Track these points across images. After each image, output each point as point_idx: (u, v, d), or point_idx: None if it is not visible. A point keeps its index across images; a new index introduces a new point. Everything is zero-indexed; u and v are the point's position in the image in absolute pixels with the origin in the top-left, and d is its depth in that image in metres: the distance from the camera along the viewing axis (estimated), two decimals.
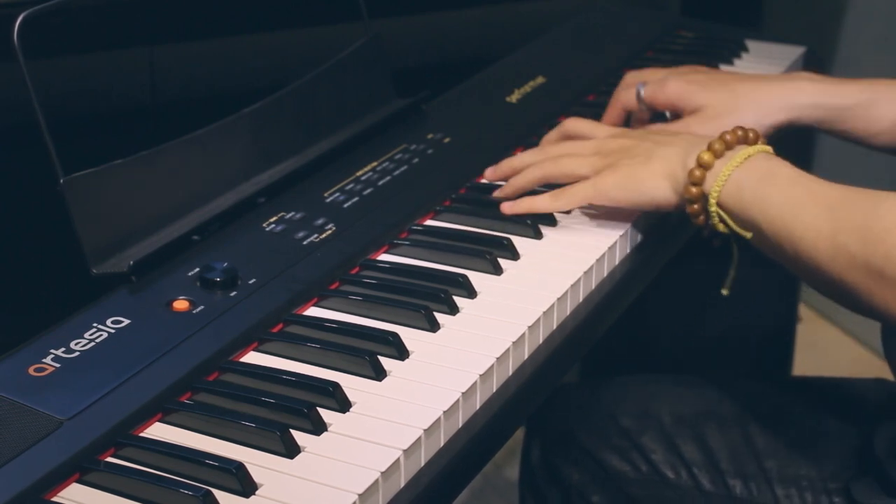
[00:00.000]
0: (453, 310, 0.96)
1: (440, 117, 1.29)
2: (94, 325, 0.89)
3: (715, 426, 1.18)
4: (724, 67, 1.51)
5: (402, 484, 0.80)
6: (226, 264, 0.96)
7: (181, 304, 0.92)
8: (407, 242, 1.06)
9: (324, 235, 1.04)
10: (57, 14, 0.97)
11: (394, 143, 1.21)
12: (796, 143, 1.44)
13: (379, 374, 0.87)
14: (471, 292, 0.99)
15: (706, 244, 1.08)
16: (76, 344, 0.86)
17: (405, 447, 0.79)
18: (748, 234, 0.98)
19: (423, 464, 0.82)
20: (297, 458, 0.79)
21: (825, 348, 2.32)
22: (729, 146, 1.00)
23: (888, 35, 2.20)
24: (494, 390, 0.90)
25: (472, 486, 1.79)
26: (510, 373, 0.92)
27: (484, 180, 1.19)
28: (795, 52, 1.57)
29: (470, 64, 1.45)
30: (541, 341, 0.97)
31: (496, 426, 0.89)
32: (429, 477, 0.81)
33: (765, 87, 1.19)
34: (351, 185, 1.12)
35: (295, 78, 1.17)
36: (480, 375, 0.88)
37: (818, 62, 1.64)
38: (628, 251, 1.11)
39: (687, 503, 1.16)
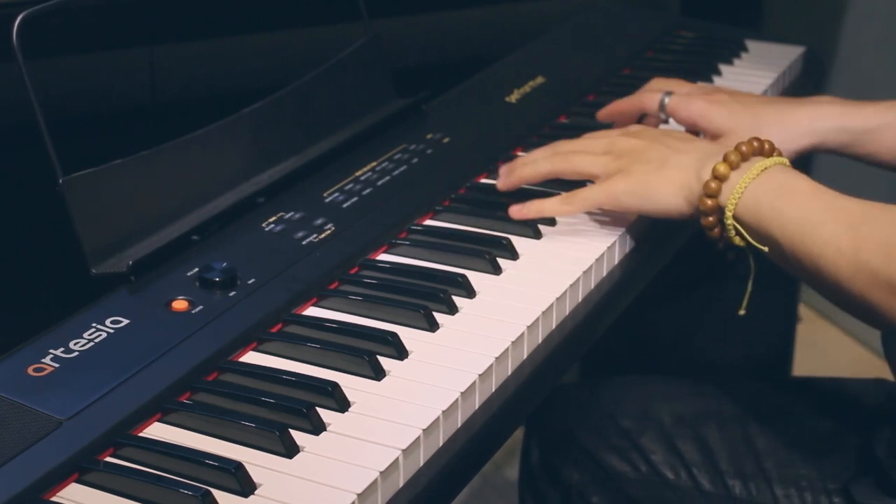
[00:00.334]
0: (452, 310, 0.96)
1: (440, 117, 1.29)
2: (94, 325, 0.89)
3: (715, 426, 1.18)
4: (723, 67, 1.51)
5: (401, 484, 0.80)
6: (225, 264, 0.96)
7: (180, 304, 0.92)
8: (406, 242, 1.07)
9: (323, 235, 1.04)
10: (56, 14, 0.97)
11: (393, 143, 1.21)
12: None
13: (378, 373, 0.87)
14: (470, 292, 0.99)
15: (705, 242, 1.08)
16: (75, 344, 0.87)
17: (404, 447, 0.79)
18: (765, 248, 0.97)
19: (421, 463, 0.82)
20: (296, 457, 0.79)
21: (825, 348, 2.32)
22: (745, 157, 0.99)
23: (888, 35, 2.20)
24: (493, 390, 0.90)
25: (472, 485, 1.80)
26: (509, 372, 0.93)
27: (483, 180, 1.19)
28: (795, 52, 1.57)
29: (470, 64, 1.45)
30: (540, 341, 0.97)
31: (495, 426, 0.89)
32: (428, 477, 0.81)
33: (788, 112, 1.17)
34: (350, 185, 1.12)
35: (295, 78, 1.17)
36: (479, 375, 0.88)
37: (818, 62, 1.64)
38: (627, 251, 1.10)
39: (686, 503, 1.16)
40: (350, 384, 0.86)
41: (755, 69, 1.51)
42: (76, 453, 0.77)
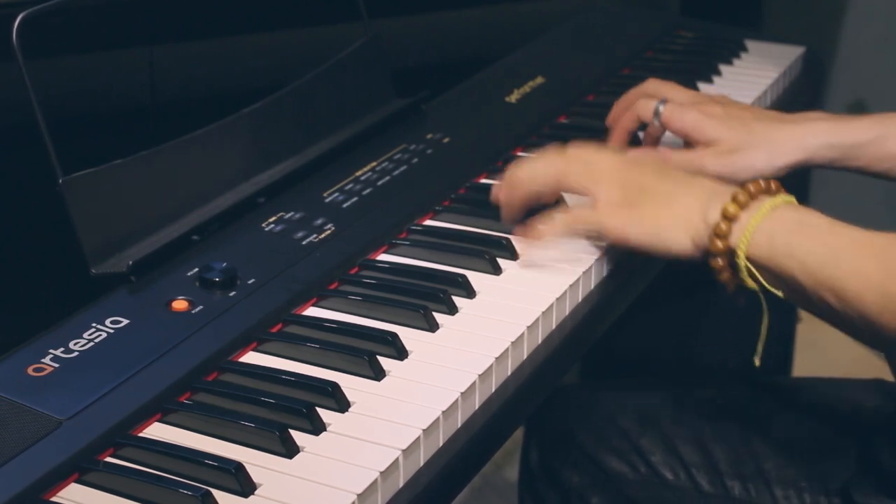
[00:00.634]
0: (452, 310, 0.96)
1: (440, 117, 1.29)
2: (94, 325, 0.89)
3: (714, 428, 1.18)
4: (723, 67, 1.51)
5: (401, 484, 0.80)
6: (225, 264, 0.96)
7: (180, 304, 0.92)
8: (406, 242, 1.06)
9: (323, 235, 1.04)
10: (56, 14, 0.97)
11: (393, 143, 1.21)
12: None
13: (378, 374, 0.87)
14: (470, 292, 0.99)
15: None
16: (75, 344, 0.86)
17: (404, 447, 0.79)
18: (779, 293, 0.94)
19: (422, 464, 0.82)
20: (296, 457, 0.79)
21: (825, 348, 2.32)
22: (753, 197, 0.96)
23: (888, 35, 2.20)
24: (493, 390, 0.90)
25: (472, 485, 1.79)
26: (509, 373, 0.92)
27: (484, 180, 1.19)
28: (795, 52, 1.57)
29: (470, 64, 1.45)
30: (540, 341, 0.97)
31: (495, 426, 0.89)
32: (428, 477, 0.81)
33: (778, 128, 1.17)
34: (350, 185, 1.12)
35: (295, 78, 1.17)
36: (479, 375, 0.88)
37: (818, 62, 1.64)
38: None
39: None
40: (350, 384, 0.86)
41: (755, 69, 1.51)
42: (76, 453, 0.77)
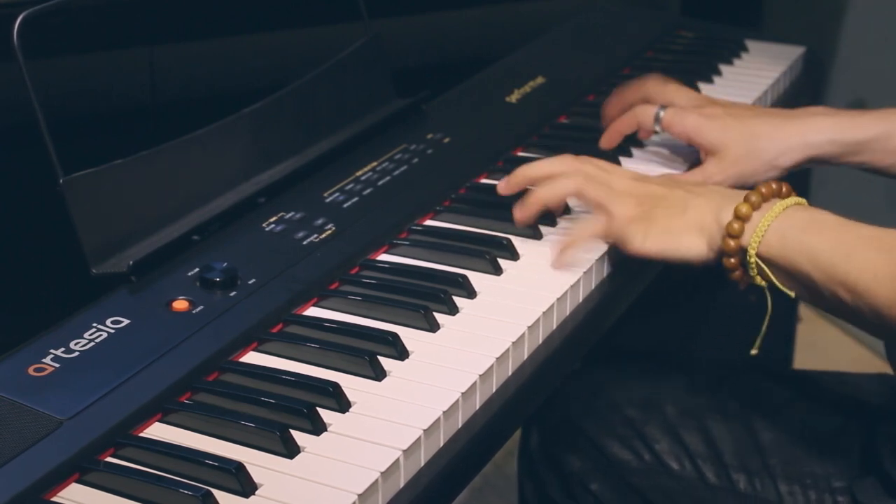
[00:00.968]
0: (453, 310, 0.96)
1: (440, 117, 1.29)
2: (94, 325, 0.89)
3: (719, 419, 1.18)
4: (723, 67, 1.51)
5: (402, 484, 0.80)
6: (225, 264, 0.96)
7: (181, 304, 0.92)
8: (407, 242, 1.06)
9: (323, 235, 1.04)
10: (57, 14, 0.97)
11: (394, 143, 1.21)
12: None
13: (378, 374, 0.87)
14: (470, 292, 0.99)
15: None
16: (76, 344, 0.86)
17: (405, 447, 0.79)
18: (791, 292, 0.97)
19: (422, 464, 0.82)
20: (297, 458, 0.79)
21: (825, 348, 2.32)
22: (765, 199, 0.99)
23: (888, 35, 2.20)
24: (494, 390, 0.90)
25: (472, 485, 1.79)
26: (510, 373, 0.92)
27: (484, 180, 1.19)
28: (795, 52, 1.57)
29: (470, 64, 1.45)
30: (540, 342, 0.97)
31: (496, 426, 0.89)
32: (428, 477, 0.81)
33: (781, 126, 1.17)
34: (351, 185, 1.12)
35: (295, 78, 1.17)
36: (480, 375, 0.88)
37: (818, 62, 1.64)
38: None
39: (690, 495, 1.16)
40: (351, 384, 0.86)
41: (755, 69, 1.51)
42: (77, 453, 0.77)
